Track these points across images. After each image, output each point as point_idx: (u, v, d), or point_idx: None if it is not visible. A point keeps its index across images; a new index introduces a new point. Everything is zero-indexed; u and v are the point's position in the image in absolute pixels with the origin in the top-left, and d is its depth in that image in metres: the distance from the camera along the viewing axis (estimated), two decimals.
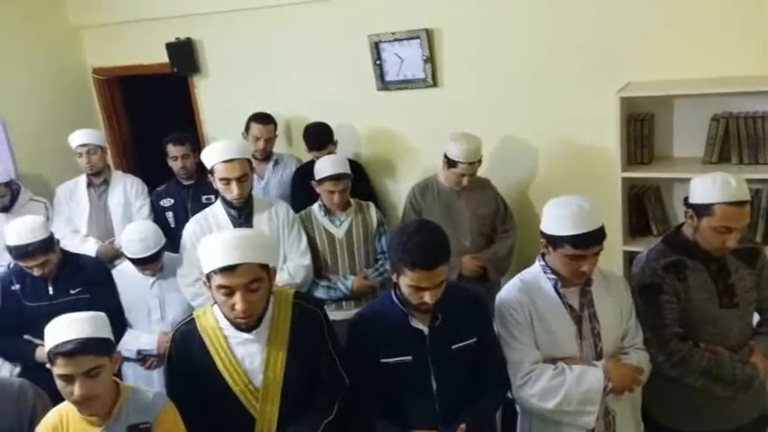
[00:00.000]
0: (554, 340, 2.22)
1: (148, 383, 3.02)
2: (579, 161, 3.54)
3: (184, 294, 3.16)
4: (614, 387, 2.16)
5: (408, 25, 3.75)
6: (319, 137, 3.83)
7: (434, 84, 3.79)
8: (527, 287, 2.27)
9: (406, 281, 2.06)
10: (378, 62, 3.89)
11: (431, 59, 3.74)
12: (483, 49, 3.64)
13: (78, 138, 4.02)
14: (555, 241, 2.16)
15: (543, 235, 2.21)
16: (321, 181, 3.28)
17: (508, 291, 2.31)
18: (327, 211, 3.34)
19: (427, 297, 2.06)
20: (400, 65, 3.85)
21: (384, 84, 3.94)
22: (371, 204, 3.50)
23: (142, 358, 3.23)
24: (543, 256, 2.27)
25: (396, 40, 3.80)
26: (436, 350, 2.17)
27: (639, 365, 2.23)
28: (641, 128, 3.26)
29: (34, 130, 4.65)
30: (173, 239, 3.38)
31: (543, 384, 2.17)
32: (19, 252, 2.98)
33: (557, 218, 2.15)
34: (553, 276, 2.24)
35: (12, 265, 3.34)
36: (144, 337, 3.21)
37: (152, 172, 4.39)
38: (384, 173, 4.17)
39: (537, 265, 2.31)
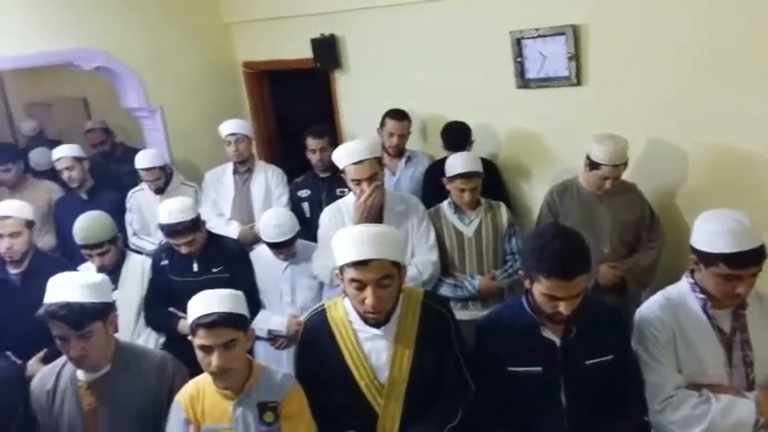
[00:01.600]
0: (699, 365, 2.06)
1: (277, 363, 3.13)
2: (737, 170, 3.24)
3: (319, 276, 3.23)
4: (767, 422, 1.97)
5: (553, 21, 3.61)
6: (458, 136, 3.79)
7: (578, 82, 3.63)
8: (672, 305, 2.12)
9: (540, 288, 1.99)
10: (519, 59, 3.78)
11: (576, 57, 3.58)
12: (633, 46, 3.42)
13: (227, 127, 4.25)
14: (707, 259, 1.99)
15: (694, 250, 2.05)
16: (452, 178, 3.25)
17: (650, 307, 2.16)
18: (457, 209, 3.31)
19: (562, 307, 1.97)
20: (542, 62, 3.72)
21: (524, 81, 3.82)
22: (502, 204, 3.41)
23: (272, 338, 3.36)
24: (692, 272, 2.10)
25: (539, 36, 3.67)
26: (568, 364, 2.07)
27: None
28: None
29: (188, 118, 4.98)
30: (307, 228, 3.49)
31: (685, 412, 2.01)
32: (169, 230, 3.22)
33: (711, 233, 1.98)
34: (702, 296, 2.07)
35: (162, 243, 3.62)
36: (275, 318, 3.35)
37: (291, 163, 4.56)
38: (519, 173, 4.06)
39: (684, 282, 2.14)
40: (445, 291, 3.22)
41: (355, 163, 3.02)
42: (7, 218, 3.18)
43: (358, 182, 3.04)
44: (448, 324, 2.17)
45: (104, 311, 2.17)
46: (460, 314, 2.92)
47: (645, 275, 3.27)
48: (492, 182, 3.60)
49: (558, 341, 2.08)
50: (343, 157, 3.08)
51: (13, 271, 3.22)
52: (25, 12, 4.15)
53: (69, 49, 4.36)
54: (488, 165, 3.68)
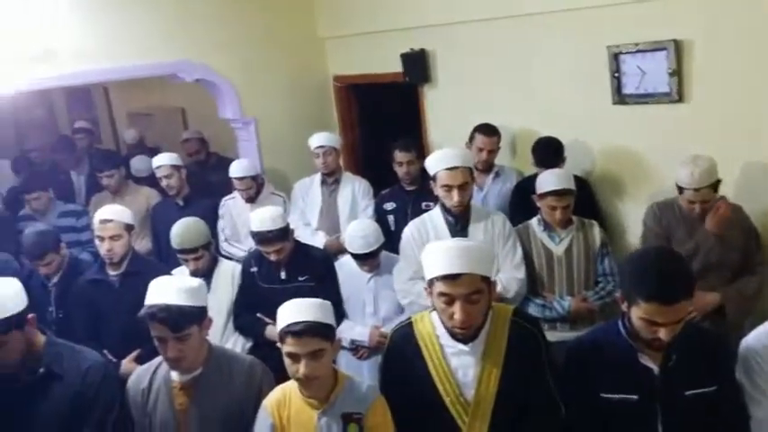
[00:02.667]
0: None
1: (358, 373, 3.14)
2: None
3: (396, 292, 3.24)
4: None
5: (654, 36, 3.48)
6: (549, 152, 3.70)
7: (680, 99, 3.47)
8: None
9: (638, 312, 1.89)
10: (616, 74, 3.66)
11: (677, 72, 3.44)
12: (738, 62, 3.25)
13: (316, 140, 4.33)
14: None
15: None
16: (543, 195, 3.17)
17: (758, 337, 2.03)
18: (546, 227, 3.23)
19: (662, 333, 1.87)
20: (641, 78, 3.59)
21: (621, 97, 3.70)
22: (595, 223, 3.30)
23: (354, 348, 3.38)
24: None
25: (638, 51, 3.55)
26: (667, 394, 1.97)
27: None
28: None
29: (279, 130, 5.12)
30: (392, 241, 3.49)
31: None
32: (260, 238, 3.30)
33: None
34: None
35: (252, 250, 3.72)
36: (358, 328, 3.36)
37: (377, 175, 4.59)
38: (613, 192, 3.91)
39: None
40: (533, 310, 3.14)
41: (448, 169, 3.01)
42: (109, 221, 3.33)
43: (448, 188, 3.03)
44: (538, 344, 2.11)
45: (200, 315, 2.23)
46: (548, 335, 2.83)
47: (747, 302, 3.07)
48: (584, 200, 3.49)
49: (655, 369, 1.98)
50: (436, 162, 3.07)
51: (112, 273, 3.37)
52: (132, 26, 4.39)
53: (172, 61, 4.58)
54: (581, 182, 3.57)
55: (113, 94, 8.06)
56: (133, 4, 4.37)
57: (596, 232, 3.24)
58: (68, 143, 6.23)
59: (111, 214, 3.37)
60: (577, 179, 3.38)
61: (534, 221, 3.27)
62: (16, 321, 2.11)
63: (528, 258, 3.19)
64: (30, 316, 2.19)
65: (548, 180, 3.17)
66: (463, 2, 4.29)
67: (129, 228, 3.42)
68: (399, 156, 4.11)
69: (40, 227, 3.70)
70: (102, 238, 3.32)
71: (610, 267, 3.19)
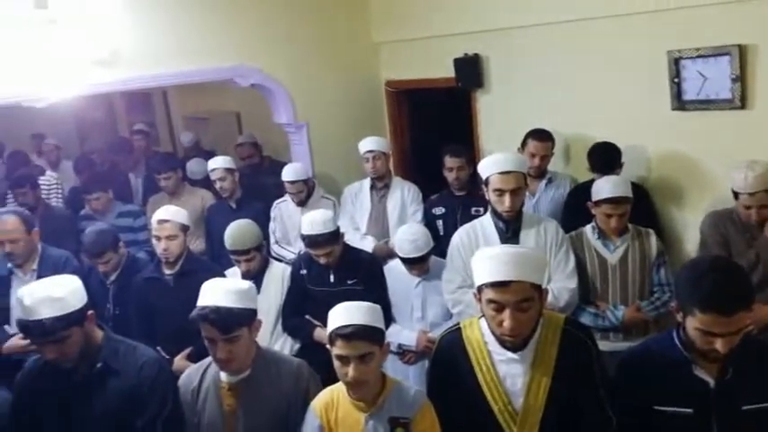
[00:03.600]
0: None
1: (404, 377, 3.12)
2: None
3: (446, 300, 3.23)
4: None
5: (716, 41, 3.37)
6: (606, 158, 3.62)
7: (742, 106, 3.36)
8: None
9: (694, 323, 1.83)
10: (676, 80, 3.56)
11: (741, 78, 3.32)
12: None
13: (367, 144, 4.36)
14: None
15: None
16: (599, 202, 3.10)
17: None
18: (601, 234, 3.16)
19: (719, 345, 1.81)
20: (702, 83, 3.48)
21: (680, 103, 3.59)
22: (651, 232, 3.22)
23: (401, 352, 3.37)
24: None
25: (699, 56, 3.45)
26: (723, 408, 1.90)
27: None
28: None
29: (330, 134, 5.16)
30: (440, 246, 3.48)
31: None
32: (310, 241, 3.34)
33: None
34: None
35: (302, 252, 3.76)
36: (405, 332, 3.36)
37: (427, 181, 4.58)
38: (671, 200, 3.80)
39: None
40: (585, 319, 3.08)
41: (501, 173, 2.97)
42: (166, 222, 3.43)
43: (500, 192, 2.99)
44: (590, 354, 2.07)
45: (250, 317, 2.26)
46: (600, 345, 2.76)
47: None
48: (641, 207, 3.40)
49: (711, 382, 1.92)
50: (489, 165, 3.04)
51: (167, 271, 3.46)
52: (191, 32, 4.50)
53: (230, 66, 4.68)
54: (638, 189, 3.48)
55: (171, 97, 8.28)
56: (193, 11, 4.48)
57: (653, 241, 3.16)
58: (126, 145, 6.43)
59: (168, 215, 3.47)
60: (634, 186, 3.30)
61: (588, 228, 3.21)
62: (76, 318, 2.19)
63: (581, 266, 3.12)
64: (89, 312, 2.27)
65: (604, 187, 3.11)
66: (520, 7, 4.25)
67: (184, 228, 3.51)
68: (449, 161, 4.10)
69: (100, 226, 3.82)
70: (158, 238, 3.41)
71: (666, 278, 3.10)
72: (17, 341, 3.33)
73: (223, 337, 2.17)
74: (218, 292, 2.23)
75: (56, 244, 3.82)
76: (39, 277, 3.28)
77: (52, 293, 2.15)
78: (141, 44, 4.23)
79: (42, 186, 5.35)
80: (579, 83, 4.08)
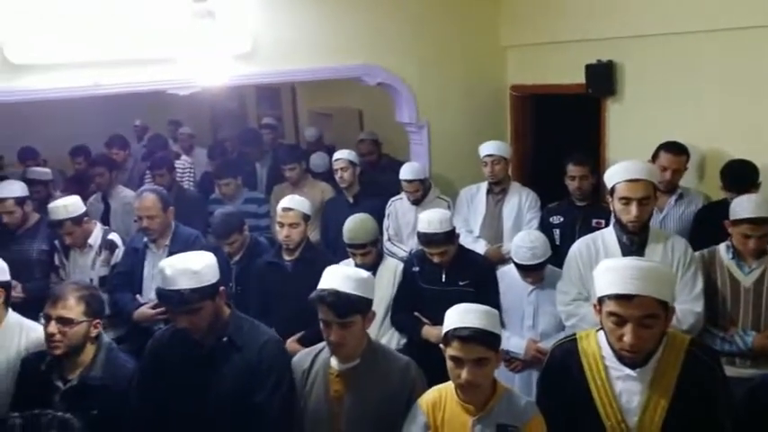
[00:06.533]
0: None
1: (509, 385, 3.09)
2: None
3: (559, 312, 3.15)
4: None
5: None
6: (741, 176, 3.41)
7: None
8: None
9: None
10: None
11: None
12: None
13: (487, 148, 4.33)
14: None
15: None
16: (737, 222, 2.91)
17: None
18: (736, 255, 2.97)
19: None
20: None
21: None
22: None
23: (508, 359, 3.32)
24: None
25: None
26: None
27: None
28: None
29: (450, 135, 5.17)
30: (556, 255, 3.40)
31: None
32: (426, 239, 3.36)
33: None
34: None
35: (414, 251, 3.79)
36: (514, 339, 3.31)
37: (547, 188, 4.49)
38: None
39: None
40: (710, 342, 2.90)
41: (629, 180, 2.83)
42: (290, 210, 3.59)
43: (627, 201, 2.83)
44: (715, 378, 1.96)
45: (366, 306, 2.31)
46: (725, 370, 2.60)
47: None
48: None
49: None
50: (616, 173, 2.91)
51: (287, 258, 3.61)
52: (324, 30, 4.64)
53: (358, 65, 4.80)
54: None
55: (299, 93, 8.60)
56: (326, 10, 4.63)
57: None
58: (256, 136, 6.74)
59: (292, 203, 3.62)
60: None
61: (722, 247, 3.02)
62: (210, 291, 2.34)
63: (712, 286, 2.95)
64: (221, 288, 2.41)
65: (744, 206, 2.91)
66: (660, 14, 4.08)
67: (306, 218, 3.65)
68: (573, 169, 3.99)
69: (228, 209, 4.05)
70: (282, 225, 3.57)
71: None
72: (146, 310, 3.61)
73: (338, 321, 2.23)
74: (340, 277, 2.29)
75: (186, 224, 4.05)
76: (170, 253, 3.53)
77: (191, 266, 2.30)
78: (278, 40, 4.42)
79: (177, 170, 5.75)
80: (719, 95, 3.85)
